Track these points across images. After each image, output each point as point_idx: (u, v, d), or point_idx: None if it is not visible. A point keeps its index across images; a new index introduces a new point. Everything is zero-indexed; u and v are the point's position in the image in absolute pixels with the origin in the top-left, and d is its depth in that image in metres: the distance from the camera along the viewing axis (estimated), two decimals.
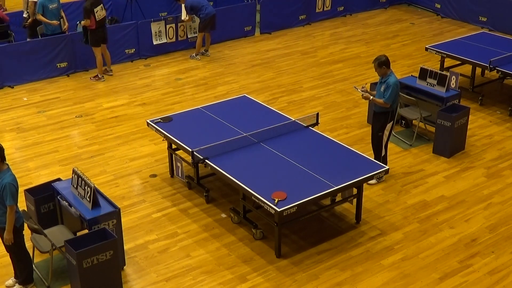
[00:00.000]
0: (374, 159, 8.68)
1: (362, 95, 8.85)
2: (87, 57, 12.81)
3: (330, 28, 15.68)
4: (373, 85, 9.72)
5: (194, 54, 13.67)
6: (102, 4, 12.18)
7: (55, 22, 12.49)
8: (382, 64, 8.64)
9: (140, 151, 10.01)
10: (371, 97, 8.80)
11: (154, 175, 9.34)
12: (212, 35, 14.11)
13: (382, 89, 8.72)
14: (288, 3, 15.40)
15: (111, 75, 12.67)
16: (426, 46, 12.30)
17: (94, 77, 12.58)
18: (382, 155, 8.98)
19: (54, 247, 6.99)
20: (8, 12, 14.18)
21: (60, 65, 12.72)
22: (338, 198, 8.22)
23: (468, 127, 10.06)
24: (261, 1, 15.06)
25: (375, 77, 9.46)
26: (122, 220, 7.32)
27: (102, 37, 12.32)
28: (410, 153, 9.92)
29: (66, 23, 12.80)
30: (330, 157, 8.20)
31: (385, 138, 8.92)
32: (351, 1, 16.57)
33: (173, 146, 8.94)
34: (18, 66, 12.29)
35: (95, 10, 11.99)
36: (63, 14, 12.77)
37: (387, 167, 8.03)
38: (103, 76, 12.58)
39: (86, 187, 7.07)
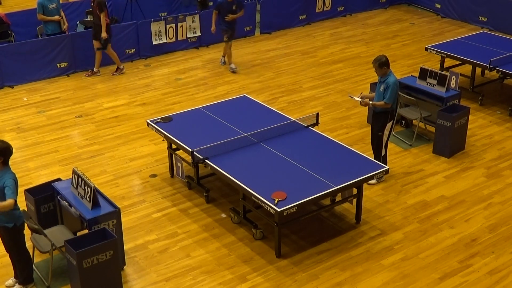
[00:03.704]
0: (374, 159, 8.68)
1: (360, 102, 8.85)
2: (87, 57, 12.82)
3: (330, 28, 15.69)
4: (373, 85, 9.72)
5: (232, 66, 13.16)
6: None
7: (57, 17, 12.50)
8: (383, 64, 8.64)
9: (140, 151, 10.01)
10: (370, 102, 8.79)
11: (154, 175, 9.34)
12: (214, 36, 14.18)
13: (381, 88, 8.72)
14: (288, 3, 15.41)
15: (123, 73, 12.79)
16: (426, 46, 12.30)
17: (115, 71, 12.84)
18: (382, 155, 8.98)
19: (54, 247, 6.99)
20: (8, 12, 14.16)
21: (60, 65, 12.72)
22: (338, 198, 8.22)
23: (468, 127, 10.06)
24: (261, 1, 15.06)
25: (374, 77, 9.47)
26: (122, 220, 7.32)
27: (110, 34, 12.47)
28: (410, 153, 9.92)
29: (66, 23, 12.80)
30: (330, 157, 8.20)
31: (385, 138, 8.92)
32: (351, 1, 16.57)
33: (173, 146, 8.94)
34: (18, 66, 12.29)
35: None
36: (62, 14, 12.77)
37: (387, 167, 8.03)
38: (123, 67, 12.85)
39: (86, 187, 7.07)
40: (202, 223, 8.28)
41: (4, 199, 6.43)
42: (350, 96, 9.11)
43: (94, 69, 12.75)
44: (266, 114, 9.36)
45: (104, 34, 12.22)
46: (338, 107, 11.47)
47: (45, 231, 7.06)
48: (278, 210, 7.04)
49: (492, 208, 8.59)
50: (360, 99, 8.86)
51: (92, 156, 9.89)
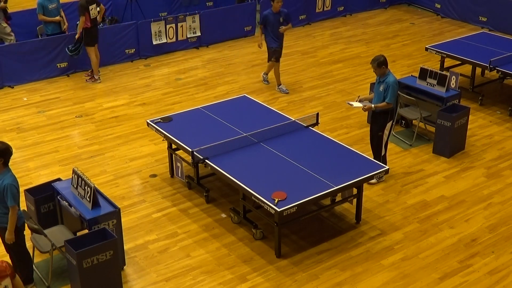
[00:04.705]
0: (374, 159, 8.68)
1: (363, 108, 8.84)
2: (87, 57, 12.78)
3: (330, 28, 15.68)
4: (373, 85, 9.71)
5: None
6: (95, 4, 12.13)
7: (57, 18, 12.49)
8: (382, 64, 8.65)
9: (140, 151, 10.01)
10: (372, 105, 8.78)
11: (154, 175, 9.34)
12: (214, 36, 14.14)
13: (381, 88, 8.73)
14: (288, 3, 15.32)
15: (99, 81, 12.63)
16: (426, 46, 12.30)
17: (89, 78, 12.55)
18: (382, 154, 8.98)
19: (54, 247, 6.99)
20: (8, 12, 14.14)
21: (60, 65, 12.72)
22: (338, 198, 8.22)
23: (468, 127, 10.06)
24: (261, 1, 15.05)
25: (374, 77, 9.43)
26: (122, 220, 7.32)
27: (95, 37, 12.30)
28: (410, 153, 9.92)
29: (66, 23, 12.79)
30: (330, 157, 8.20)
31: (385, 138, 8.92)
32: (351, 1, 16.57)
33: (173, 146, 8.94)
34: (18, 66, 12.29)
35: (90, 7, 11.98)
36: (62, 14, 12.76)
37: (387, 167, 8.03)
38: (99, 78, 12.54)
39: (86, 187, 7.07)
40: (202, 223, 8.28)
41: (5, 201, 6.46)
42: (349, 103, 9.02)
43: (95, 76, 12.61)
44: (266, 114, 9.36)
45: (77, 36, 12.10)
46: (338, 107, 11.46)
47: (45, 231, 7.07)
48: (278, 210, 7.04)
49: (492, 208, 8.59)
50: (359, 104, 8.84)
51: (92, 156, 9.89)
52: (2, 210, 6.56)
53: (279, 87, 12.08)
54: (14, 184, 6.48)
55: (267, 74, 12.37)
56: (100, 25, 12.89)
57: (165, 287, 7.19)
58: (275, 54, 11.83)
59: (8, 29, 12.88)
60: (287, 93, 11.95)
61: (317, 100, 11.74)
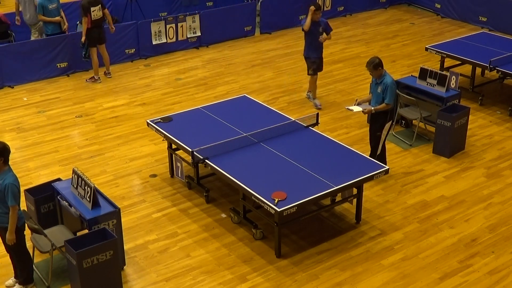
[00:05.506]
0: (369, 156, 8.68)
1: (362, 111, 8.82)
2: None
3: None
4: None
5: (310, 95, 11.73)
6: (100, 5, 12.12)
7: (57, 18, 12.49)
8: (378, 65, 8.65)
9: (140, 151, 10.01)
10: (372, 108, 8.77)
11: (154, 175, 9.35)
12: (214, 36, 14.14)
13: (379, 90, 8.73)
14: (288, 3, 15.40)
15: (110, 77, 12.65)
16: (426, 46, 12.30)
17: (90, 78, 12.55)
18: (378, 153, 8.97)
19: (54, 247, 6.99)
20: (8, 12, 14.15)
21: (60, 65, 12.72)
22: (338, 198, 8.23)
23: (468, 127, 10.06)
24: (261, 1, 15.06)
25: None
26: (122, 220, 7.32)
27: (97, 38, 12.26)
28: (410, 153, 9.92)
29: (66, 23, 12.79)
30: (330, 157, 8.20)
31: (382, 137, 8.92)
32: (351, 1, 16.57)
33: (173, 146, 8.94)
34: (18, 66, 12.29)
35: (92, 9, 11.96)
36: (62, 14, 12.76)
37: (387, 167, 8.03)
38: (99, 78, 12.53)
39: (86, 187, 7.07)
40: (202, 223, 8.28)
41: (5, 201, 6.46)
42: (348, 109, 9.00)
43: (95, 77, 12.61)
44: (266, 114, 9.36)
45: (83, 39, 12.14)
46: (338, 107, 11.46)
47: (45, 231, 7.07)
48: (278, 210, 7.04)
49: (492, 208, 8.59)
50: (359, 108, 8.83)
51: (92, 156, 9.89)
52: (2, 210, 6.56)
53: (314, 100, 11.49)
54: (15, 183, 6.49)
55: (311, 92, 11.60)
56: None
57: (165, 287, 7.20)
58: (313, 66, 11.21)
59: None
60: (320, 108, 11.19)
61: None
